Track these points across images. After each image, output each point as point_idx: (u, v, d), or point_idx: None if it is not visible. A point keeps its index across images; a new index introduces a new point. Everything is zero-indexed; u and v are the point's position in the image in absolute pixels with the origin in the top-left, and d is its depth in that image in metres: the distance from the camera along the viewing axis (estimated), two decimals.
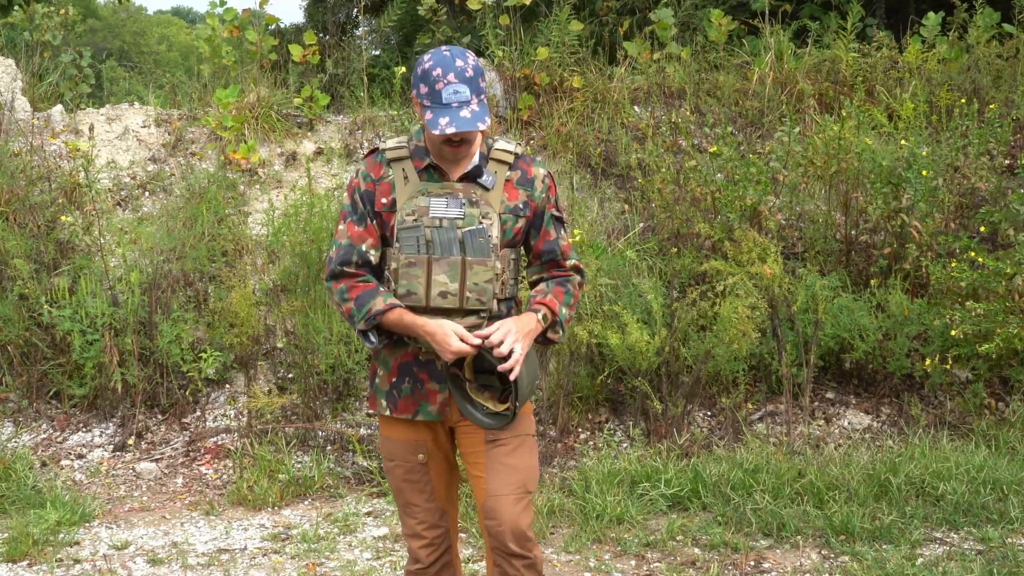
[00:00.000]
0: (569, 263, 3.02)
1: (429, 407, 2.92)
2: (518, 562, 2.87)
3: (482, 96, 2.77)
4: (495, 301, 2.85)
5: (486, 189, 2.86)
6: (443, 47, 2.79)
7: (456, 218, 2.81)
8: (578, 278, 3.02)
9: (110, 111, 7.10)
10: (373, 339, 2.86)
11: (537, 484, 2.97)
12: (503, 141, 2.94)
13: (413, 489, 2.99)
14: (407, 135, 2.97)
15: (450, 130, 2.70)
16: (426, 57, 2.78)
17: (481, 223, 2.82)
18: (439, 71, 2.73)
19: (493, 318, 2.88)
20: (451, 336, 2.75)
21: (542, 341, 2.95)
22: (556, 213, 2.98)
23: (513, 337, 2.76)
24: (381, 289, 2.86)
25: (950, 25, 7.37)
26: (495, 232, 2.83)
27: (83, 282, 5.70)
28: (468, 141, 2.80)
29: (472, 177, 2.87)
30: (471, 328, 2.82)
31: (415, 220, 2.82)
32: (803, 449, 5.13)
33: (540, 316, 2.88)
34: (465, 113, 2.72)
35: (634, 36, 7.53)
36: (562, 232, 3.00)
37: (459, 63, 2.74)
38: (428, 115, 2.74)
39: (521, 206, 2.90)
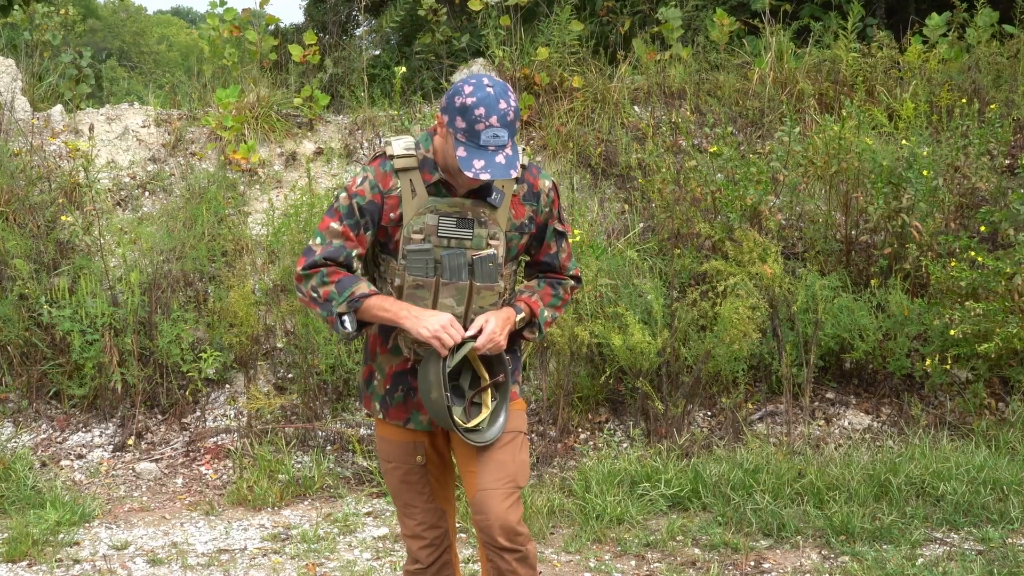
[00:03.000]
0: (570, 272, 3.04)
1: (420, 416, 2.92)
2: (509, 556, 2.86)
3: (515, 137, 2.71)
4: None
5: (494, 208, 2.82)
6: (484, 79, 2.66)
7: (464, 239, 2.78)
8: (571, 283, 3.03)
9: (110, 111, 7.09)
10: (348, 324, 2.76)
11: (528, 480, 2.97)
12: None
13: (411, 491, 2.99)
14: (409, 136, 2.91)
15: (484, 176, 2.63)
16: (467, 89, 2.66)
17: (489, 245, 2.79)
18: (482, 111, 2.63)
19: None
20: (445, 329, 2.73)
21: (518, 336, 2.99)
22: (559, 227, 2.97)
23: (490, 322, 2.79)
24: (363, 277, 2.84)
25: (950, 25, 7.36)
26: (501, 252, 2.82)
27: (83, 282, 5.70)
28: None
29: (480, 194, 2.81)
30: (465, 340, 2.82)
31: (424, 239, 2.76)
32: (803, 449, 5.13)
33: (519, 317, 2.90)
34: (500, 159, 2.65)
35: (635, 36, 7.53)
36: (563, 244, 2.99)
37: (502, 105, 2.64)
38: (461, 152, 2.65)
39: (527, 222, 2.89)
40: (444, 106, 2.71)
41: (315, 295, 2.79)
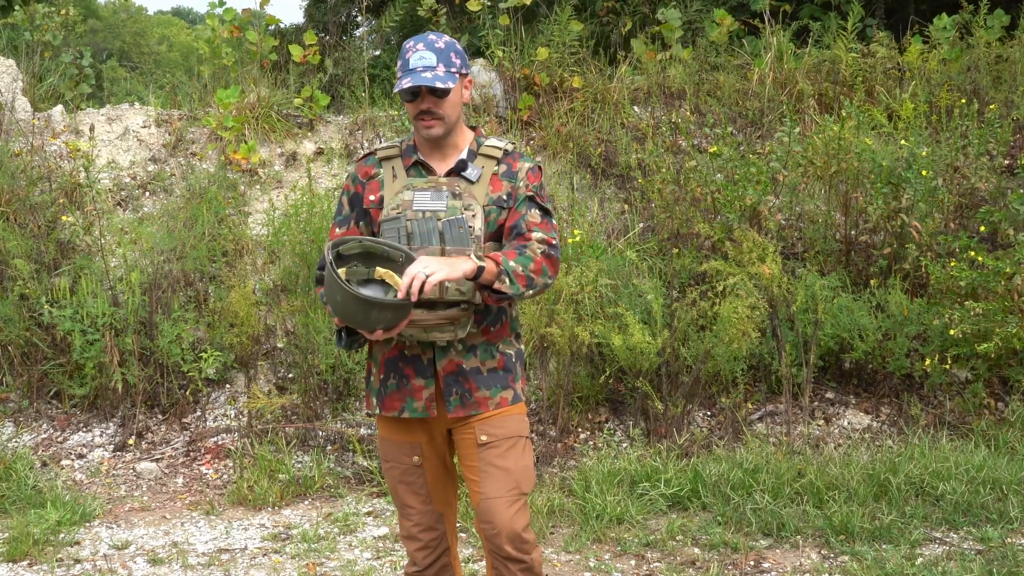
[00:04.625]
0: (535, 235, 2.85)
1: (415, 403, 2.90)
2: (515, 566, 2.87)
3: (452, 69, 2.84)
4: (478, 293, 2.81)
5: (470, 182, 2.88)
6: None
7: (438, 210, 2.83)
8: (540, 246, 2.84)
9: (110, 111, 7.10)
10: (344, 337, 2.90)
11: (532, 485, 2.96)
12: (495, 139, 2.98)
13: (408, 491, 2.98)
14: (404, 136, 3.00)
15: (405, 83, 2.79)
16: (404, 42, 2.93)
17: (461, 214, 2.82)
18: (411, 43, 2.88)
19: (480, 313, 2.87)
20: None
21: (490, 292, 2.79)
22: (529, 194, 2.91)
23: (421, 268, 2.65)
24: None
25: (954, 25, 7.37)
26: (477, 224, 2.83)
27: (84, 282, 5.71)
28: (437, 116, 2.84)
29: (457, 171, 2.90)
30: (453, 320, 2.81)
31: (398, 213, 2.84)
32: (803, 449, 5.13)
33: (476, 256, 2.75)
34: (427, 74, 2.81)
35: (635, 36, 7.54)
36: (533, 211, 2.90)
37: (432, 37, 2.87)
38: (396, 84, 2.85)
39: (505, 197, 2.91)
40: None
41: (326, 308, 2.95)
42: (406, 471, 2.97)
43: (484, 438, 2.89)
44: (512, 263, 2.78)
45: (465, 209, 2.83)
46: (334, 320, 2.84)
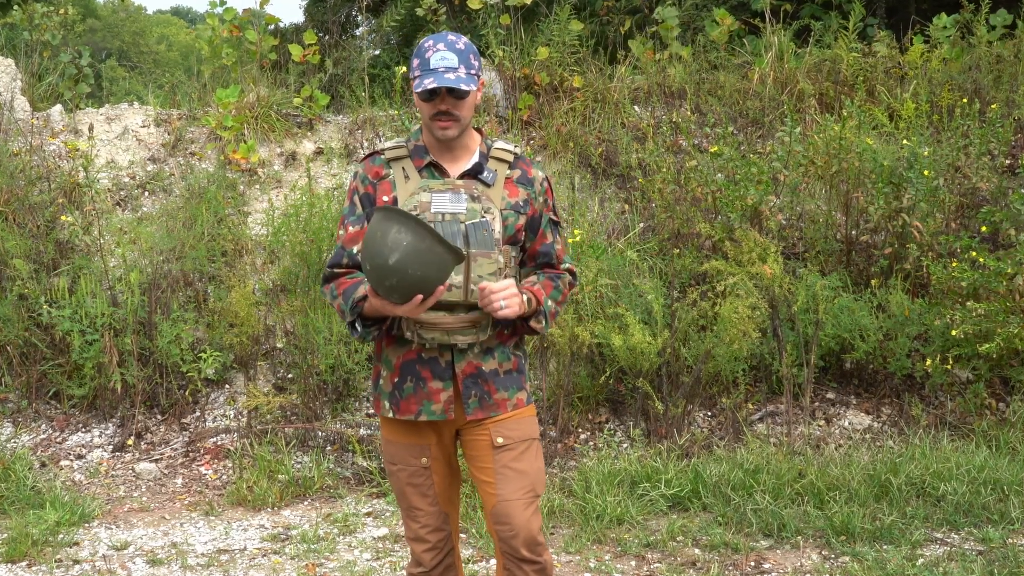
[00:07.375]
0: (563, 266, 3.02)
1: (432, 406, 2.87)
2: (528, 567, 2.87)
3: (472, 71, 2.82)
4: None
5: (487, 185, 2.87)
6: None
7: (458, 213, 2.81)
8: (569, 278, 3.01)
9: (109, 111, 7.09)
10: (359, 328, 2.86)
11: (544, 486, 2.97)
12: (502, 142, 2.96)
13: (416, 493, 2.97)
14: (406, 135, 2.97)
15: (428, 83, 2.75)
16: (421, 41, 2.90)
17: (483, 217, 2.81)
18: (430, 43, 2.82)
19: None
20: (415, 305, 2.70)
21: (525, 329, 2.93)
22: (554, 217, 2.99)
23: (503, 295, 2.75)
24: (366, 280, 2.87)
25: (955, 24, 7.37)
26: (497, 227, 2.84)
27: (83, 282, 5.70)
28: (454, 118, 2.82)
29: (473, 174, 2.88)
30: (475, 323, 2.82)
31: (416, 215, 2.80)
32: (803, 449, 5.13)
33: (524, 299, 2.84)
34: (450, 76, 2.77)
35: (635, 35, 7.53)
36: (558, 236, 3.00)
37: (450, 38, 2.83)
38: (416, 83, 2.80)
39: (522, 203, 2.90)
40: (409, 70, 2.90)
41: (336, 309, 2.93)
42: (414, 473, 2.95)
43: (500, 440, 2.88)
44: (550, 303, 2.94)
45: (484, 212, 2.82)
46: (348, 320, 2.80)
